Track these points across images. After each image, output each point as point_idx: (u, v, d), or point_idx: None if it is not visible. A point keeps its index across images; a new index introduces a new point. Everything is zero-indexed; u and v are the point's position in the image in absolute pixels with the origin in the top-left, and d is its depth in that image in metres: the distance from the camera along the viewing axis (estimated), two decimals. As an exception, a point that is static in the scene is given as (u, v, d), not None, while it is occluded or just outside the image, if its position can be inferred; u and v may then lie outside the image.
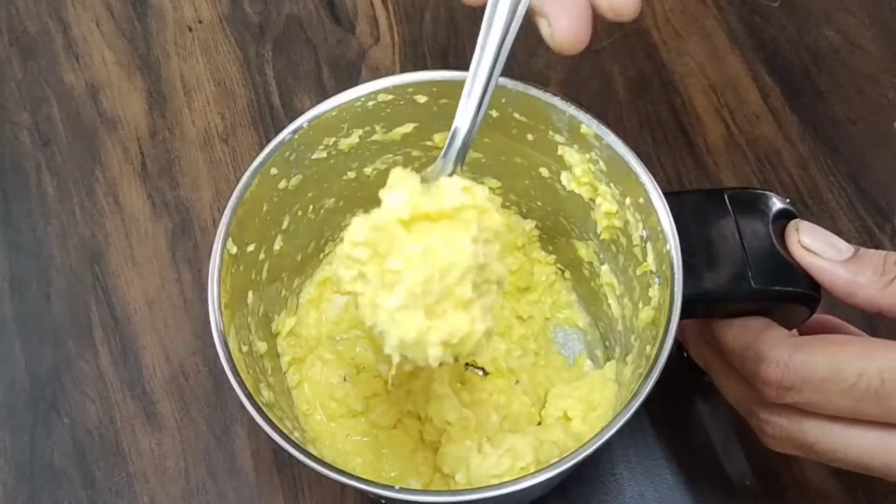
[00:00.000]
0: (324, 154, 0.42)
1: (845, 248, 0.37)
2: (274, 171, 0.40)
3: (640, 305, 0.40)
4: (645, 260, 0.39)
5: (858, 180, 0.54)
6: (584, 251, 0.45)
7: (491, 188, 0.47)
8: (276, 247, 0.43)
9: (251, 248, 0.40)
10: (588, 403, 0.42)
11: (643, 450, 0.47)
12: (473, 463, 0.39)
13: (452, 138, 0.35)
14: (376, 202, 0.47)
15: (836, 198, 0.53)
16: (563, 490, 0.46)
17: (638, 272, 0.40)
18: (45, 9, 0.62)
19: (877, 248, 0.51)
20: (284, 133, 0.40)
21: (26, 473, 0.48)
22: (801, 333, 0.40)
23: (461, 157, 0.35)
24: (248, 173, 0.39)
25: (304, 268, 0.46)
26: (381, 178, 0.45)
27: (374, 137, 0.43)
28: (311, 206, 0.44)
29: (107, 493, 0.47)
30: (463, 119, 0.35)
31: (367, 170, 0.44)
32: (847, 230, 0.52)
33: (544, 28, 0.34)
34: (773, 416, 0.37)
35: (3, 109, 0.58)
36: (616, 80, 0.58)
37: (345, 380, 0.45)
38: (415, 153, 0.44)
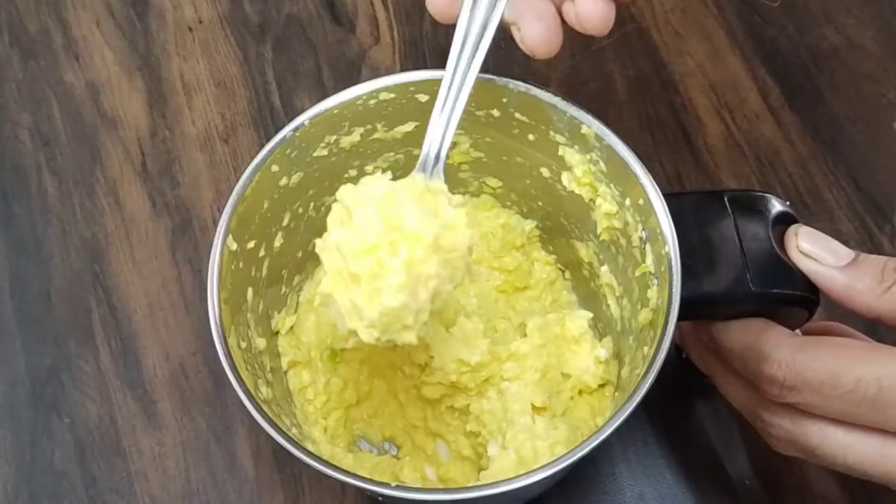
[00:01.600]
0: (325, 152, 0.42)
1: (845, 253, 0.37)
2: (275, 168, 0.40)
3: (639, 307, 0.40)
4: (644, 261, 0.39)
5: (858, 180, 0.54)
6: (584, 252, 0.45)
7: (492, 188, 0.47)
8: (277, 244, 0.43)
9: (251, 244, 0.40)
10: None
11: (643, 449, 0.47)
12: (509, 435, 0.40)
13: (427, 155, 0.36)
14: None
15: (835, 198, 0.54)
16: (563, 489, 0.46)
17: (637, 273, 0.40)
18: (46, 9, 0.62)
19: (876, 247, 0.52)
20: (286, 130, 0.40)
21: (27, 473, 0.48)
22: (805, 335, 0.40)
23: (437, 171, 0.36)
24: (248, 170, 0.39)
25: (304, 265, 0.46)
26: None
27: (376, 136, 0.43)
28: (311, 204, 0.44)
29: (107, 493, 0.47)
30: (435, 135, 0.36)
31: (369, 168, 0.45)
32: (847, 230, 0.52)
33: (516, 34, 0.35)
34: (776, 419, 0.37)
35: (3, 109, 0.58)
36: (616, 80, 0.58)
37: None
38: (416, 152, 0.44)
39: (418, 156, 0.44)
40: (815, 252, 0.37)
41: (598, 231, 0.43)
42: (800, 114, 0.56)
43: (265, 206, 0.41)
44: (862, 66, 0.58)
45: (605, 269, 0.44)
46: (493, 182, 0.47)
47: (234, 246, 0.39)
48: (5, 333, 0.51)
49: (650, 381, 0.34)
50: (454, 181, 0.47)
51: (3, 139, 0.57)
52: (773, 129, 0.56)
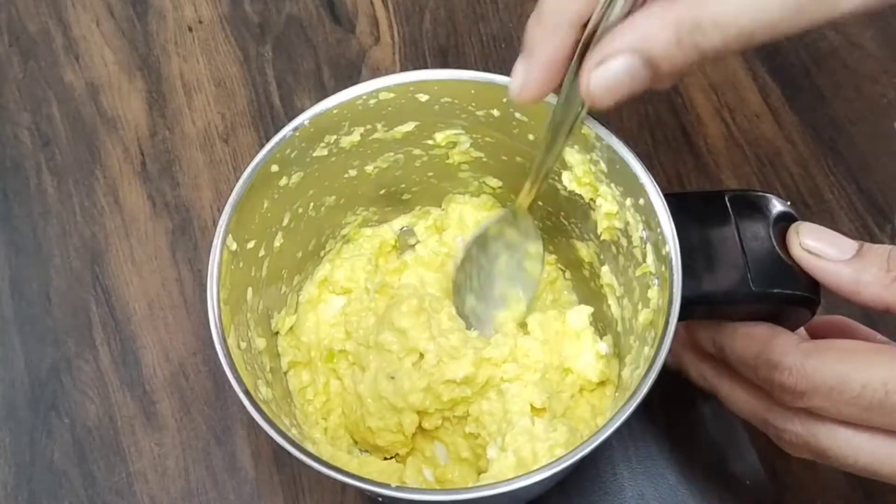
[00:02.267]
0: (325, 152, 0.42)
1: (849, 246, 0.36)
2: (275, 168, 0.40)
3: (640, 307, 0.40)
4: (644, 261, 0.39)
5: (859, 180, 0.54)
6: (585, 252, 0.45)
7: (492, 187, 0.47)
8: (277, 244, 0.43)
9: (251, 244, 0.40)
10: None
11: (643, 450, 0.47)
12: (508, 437, 0.40)
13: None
14: (377, 200, 0.47)
15: (836, 198, 0.54)
16: (563, 489, 0.46)
17: (637, 273, 0.40)
18: (46, 9, 0.62)
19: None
20: (286, 130, 0.40)
21: (26, 473, 0.48)
22: (810, 333, 0.40)
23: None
24: (248, 170, 0.39)
25: (304, 265, 0.46)
26: (383, 176, 0.45)
27: (376, 135, 0.43)
28: (311, 204, 0.44)
29: (107, 493, 0.47)
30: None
31: (369, 168, 0.44)
32: (847, 230, 0.52)
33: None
34: (787, 424, 0.37)
35: (3, 109, 0.58)
36: (616, 80, 0.58)
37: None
38: (416, 151, 0.44)
39: (418, 156, 0.45)
40: (818, 248, 0.36)
41: (599, 231, 0.43)
42: (800, 114, 0.56)
43: (265, 206, 0.41)
44: (862, 66, 0.58)
45: (605, 269, 0.44)
46: (493, 182, 0.47)
47: (234, 246, 0.39)
48: (5, 333, 0.51)
49: (651, 381, 0.34)
50: (454, 181, 0.47)
51: (3, 139, 0.57)
52: (774, 130, 0.56)
